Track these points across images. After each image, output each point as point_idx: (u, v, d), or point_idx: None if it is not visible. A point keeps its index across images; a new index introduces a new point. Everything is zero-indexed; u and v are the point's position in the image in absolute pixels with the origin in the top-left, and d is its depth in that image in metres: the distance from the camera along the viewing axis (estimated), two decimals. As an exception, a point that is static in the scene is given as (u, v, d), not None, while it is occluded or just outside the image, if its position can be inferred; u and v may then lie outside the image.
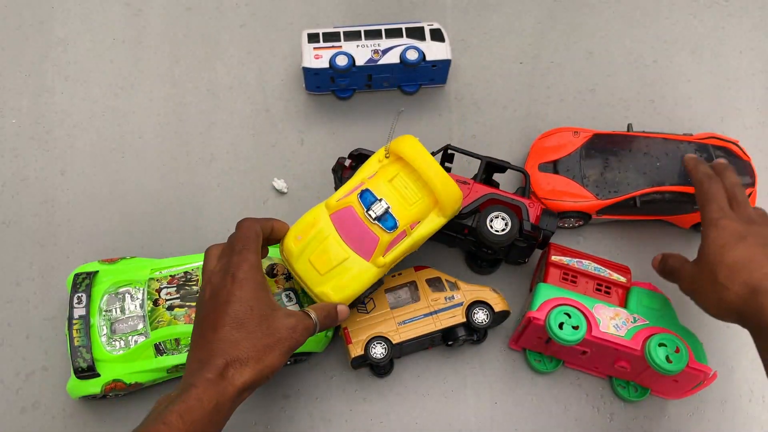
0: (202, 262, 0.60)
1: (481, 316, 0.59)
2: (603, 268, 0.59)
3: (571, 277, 0.59)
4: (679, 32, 0.79)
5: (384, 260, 0.53)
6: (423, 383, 0.61)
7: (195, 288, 0.59)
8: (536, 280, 0.62)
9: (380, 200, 0.53)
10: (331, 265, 0.53)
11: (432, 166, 0.52)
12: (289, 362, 0.60)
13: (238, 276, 0.47)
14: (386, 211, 0.53)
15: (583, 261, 0.59)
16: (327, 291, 0.53)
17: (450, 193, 0.53)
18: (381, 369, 0.60)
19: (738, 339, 0.63)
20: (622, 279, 0.59)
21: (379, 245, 0.53)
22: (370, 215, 0.53)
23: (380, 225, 0.52)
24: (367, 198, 0.53)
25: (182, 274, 0.60)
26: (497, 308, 0.59)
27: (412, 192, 0.53)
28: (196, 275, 0.59)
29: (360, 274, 0.53)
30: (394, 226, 0.52)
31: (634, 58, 0.77)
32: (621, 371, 0.58)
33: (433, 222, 0.54)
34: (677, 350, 0.53)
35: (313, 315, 0.49)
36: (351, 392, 0.61)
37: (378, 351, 0.57)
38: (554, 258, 0.59)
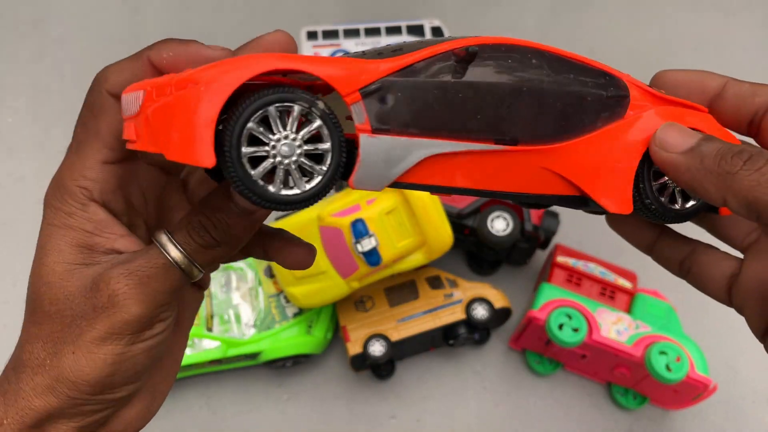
0: None
1: (480, 312, 0.58)
2: (609, 272, 0.59)
3: (575, 279, 0.58)
4: (682, 29, 0.78)
5: (358, 284, 0.55)
6: (424, 385, 0.61)
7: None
8: (541, 281, 0.61)
9: (371, 236, 0.53)
10: (309, 273, 0.55)
11: (433, 214, 0.53)
12: (288, 364, 0.59)
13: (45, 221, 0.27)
14: (374, 248, 0.53)
15: (589, 264, 0.59)
16: (296, 294, 0.55)
17: (442, 243, 0.54)
18: (382, 371, 0.60)
19: (741, 341, 0.62)
20: (628, 284, 0.58)
21: (357, 273, 0.54)
22: (357, 247, 0.53)
23: (364, 259, 0.53)
24: (358, 229, 0.54)
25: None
26: (497, 305, 0.59)
27: (405, 229, 0.54)
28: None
29: (333, 287, 0.55)
30: (377, 263, 0.53)
31: (636, 55, 0.77)
32: (620, 378, 0.57)
33: (416, 260, 0.55)
34: (678, 359, 0.53)
35: (165, 242, 0.26)
36: (352, 394, 0.61)
37: (377, 349, 0.57)
38: (560, 259, 0.59)
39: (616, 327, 0.55)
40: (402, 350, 0.59)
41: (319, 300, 0.56)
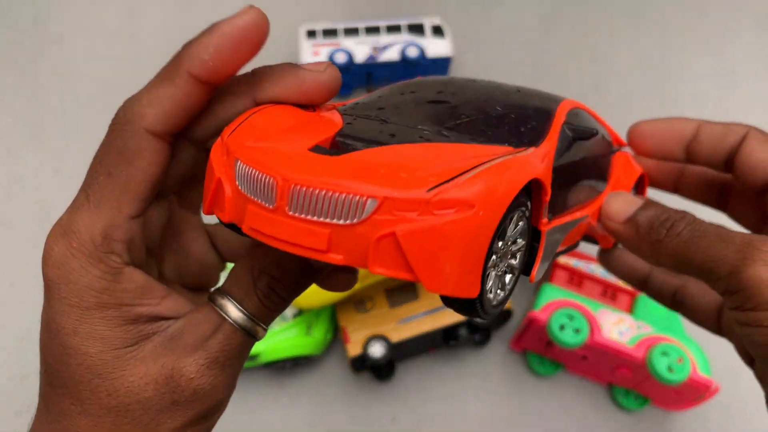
0: None
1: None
2: (611, 272, 0.59)
3: (577, 279, 0.58)
4: (685, 30, 0.78)
5: (358, 285, 0.55)
6: (424, 387, 0.61)
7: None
8: (542, 281, 0.61)
9: None
10: None
11: None
12: (287, 366, 0.59)
13: (44, 279, 0.23)
14: None
15: (591, 264, 0.59)
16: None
17: None
18: (382, 372, 0.59)
19: (743, 341, 0.62)
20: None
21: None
22: None
23: None
24: None
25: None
26: None
27: None
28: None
29: None
30: None
31: (639, 55, 0.76)
32: (622, 378, 0.57)
33: None
34: (680, 361, 0.52)
35: (233, 309, 0.24)
36: (351, 396, 0.60)
37: (377, 350, 0.57)
38: (561, 259, 0.58)
39: (617, 328, 0.54)
40: (402, 351, 0.59)
41: (319, 301, 0.55)
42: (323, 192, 0.19)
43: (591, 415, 0.60)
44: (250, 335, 0.24)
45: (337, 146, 0.22)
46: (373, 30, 0.69)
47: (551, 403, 0.60)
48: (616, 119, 0.73)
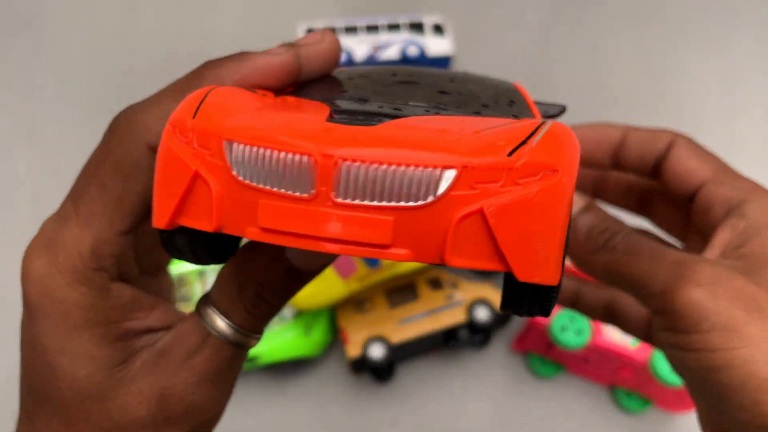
0: (197, 265, 0.59)
1: (482, 314, 0.57)
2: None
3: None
4: (686, 27, 0.77)
5: (358, 285, 0.54)
6: (424, 388, 0.60)
7: (189, 291, 0.57)
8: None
9: None
10: None
11: None
12: (286, 367, 0.58)
13: (23, 296, 0.23)
14: None
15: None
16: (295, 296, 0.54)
17: None
18: (382, 373, 0.59)
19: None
20: None
21: (356, 274, 0.53)
22: None
23: (363, 259, 0.52)
24: None
25: (176, 278, 0.58)
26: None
27: None
28: (190, 278, 0.58)
29: (331, 289, 0.54)
30: (376, 264, 0.52)
31: (640, 53, 0.76)
32: (624, 380, 0.57)
33: (414, 262, 0.54)
34: (683, 360, 0.52)
35: (219, 321, 0.22)
36: (351, 397, 0.60)
37: (376, 351, 0.56)
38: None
39: (620, 330, 0.54)
40: (402, 352, 0.59)
41: (318, 302, 0.55)
42: (385, 167, 0.15)
43: (593, 417, 0.59)
44: (240, 346, 0.23)
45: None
46: (372, 28, 0.68)
47: (553, 404, 0.60)
48: (617, 118, 0.72)
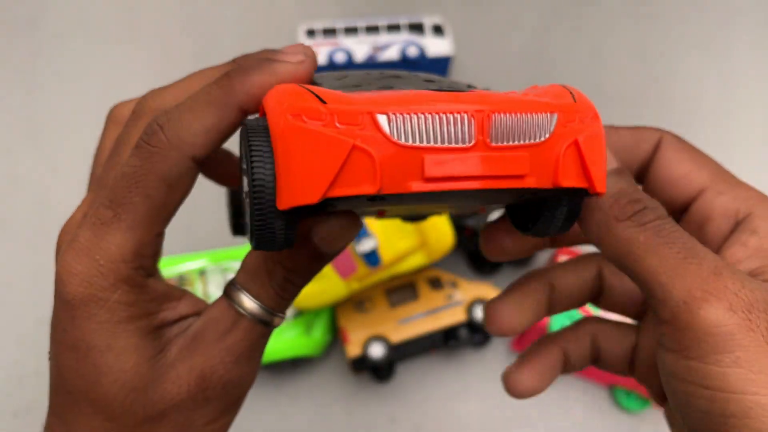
0: (197, 264, 0.59)
1: (482, 314, 0.57)
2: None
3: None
4: (686, 27, 0.78)
5: (358, 285, 0.54)
6: (424, 387, 0.60)
7: (190, 290, 0.57)
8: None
9: (370, 236, 0.53)
10: None
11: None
12: (286, 366, 0.58)
13: (64, 298, 0.23)
14: (373, 249, 0.53)
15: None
16: None
17: (443, 244, 0.53)
18: (382, 372, 0.59)
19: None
20: None
21: (356, 273, 0.54)
22: (356, 248, 0.53)
23: (363, 260, 0.53)
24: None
25: (177, 277, 0.58)
26: None
27: (405, 229, 0.54)
28: (191, 277, 0.58)
29: (332, 289, 0.54)
30: (376, 263, 0.53)
31: (639, 54, 0.76)
32: (623, 380, 0.57)
33: (416, 261, 0.55)
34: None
35: (249, 303, 0.24)
36: (351, 396, 0.60)
37: (376, 351, 0.56)
38: (562, 259, 0.58)
39: (619, 329, 0.54)
40: (402, 352, 0.59)
41: (318, 301, 0.55)
42: (521, 115, 0.20)
43: (592, 416, 0.60)
44: (268, 325, 0.25)
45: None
46: (372, 29, 0.68)
47: (552, 404, 0.60)
48: (617, 118, 0.73)
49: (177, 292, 0.25)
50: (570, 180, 0.20)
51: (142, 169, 0.22)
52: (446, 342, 0.59)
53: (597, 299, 0.30)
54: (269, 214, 0.20)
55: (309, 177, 0.19)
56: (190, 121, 0.22)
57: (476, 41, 0.76)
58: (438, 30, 0.69)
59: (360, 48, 0.67)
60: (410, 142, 0.19)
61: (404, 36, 0.68)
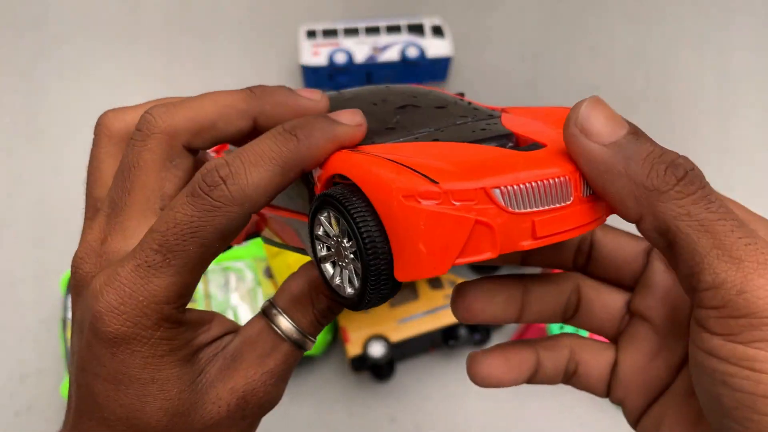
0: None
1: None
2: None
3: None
4: (683, 28, 0.78)
5: None
6: (424, 386, 0.61)
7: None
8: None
9: None
10: None
11: None
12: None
13: (105, 336, 0.22)
14: None
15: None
16: None
17: None
18: (382, 372, 0.59)
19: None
20: None
21: None
22: None
23: None
24: None
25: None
26: None
27: None
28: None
29: None
30: None
31: (637, 54, 0.76)
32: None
33: None
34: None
35: (290, 327, 0.26)
36: (351, 395, 0.60)
37: (376, 350, 0.57)
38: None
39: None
40: (402, 351, 0.59)
41: None
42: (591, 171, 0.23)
43: (592, 415, 0.60)
44: (303, 348, 0.26)
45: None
46: (373, 30, 0.69)
47: (551, 402, 0.60)
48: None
49: (207, 315, 0.26)
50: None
51: (201, 220, 0.22)
52: (446, 341, 0.59)
53: (571, 317, 0.29)
54: (384, 284, 0.21)
55: (435, 252, 0.20)
56: (256, 180, 0.22)
57: (476, 42, 0.77)
58: (438, 31, 0.69)
59: (360, 49, 0.67)
60: (523, 209, 0.21)
61: (404, 37, 0.68)
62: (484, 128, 0.25)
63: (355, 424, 0.59)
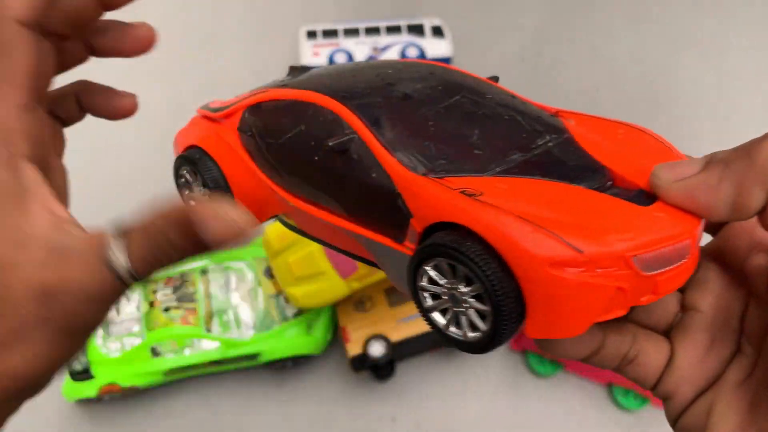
0: (198, 263, 0.59)
1: None
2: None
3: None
4: (683, 29, 0.78)
5: (358, 284, 0.55)
6: (424, 386, 0.61)
7: (192, 289, 0.58)
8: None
9: None
10: (308, 273, 0.54)
11: None
12: (288, 365, 0.59)
13: None
14: None
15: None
16: (296, 295, 0.55)
17: None
18: (382, 371, 0.59)
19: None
20: None
21: (356, 273, 0.54)
22: None
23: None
24: None
25: (179, 276, 0.59)
26: None
27: None
28: (193, 276, 0.59)
29: (332, 288, 0.55)
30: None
31: (637, 55, 0.76)
32: (622, 378, 0.57)
33: None
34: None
35: (114, 242, 0.23)
36: (351, 395, 0.60)
37: (377, 349, 0.57)
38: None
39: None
40: (402, 351, 0.59)
41: (319, 300, 0.55)
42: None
43: (591, 415, 0.60)
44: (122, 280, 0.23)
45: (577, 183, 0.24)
46: (373, 30, 0.69)
47: (551, 402, 0.60)
48: (616, 117, 0.73)
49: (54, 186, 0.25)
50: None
51: None
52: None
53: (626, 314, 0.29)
54: (512, 334, 0.22)
55: (574, 317, 0.21)
56: None
57: (475, 43, 0.77)
58: (437, 31, 0.69)
59: (360, 49, 0.68)
60: (652, 272, 0.22)
61: (404, 37, 0.68)
62: (569, 154, 0.25)
63: (355, 423, 0.59)
